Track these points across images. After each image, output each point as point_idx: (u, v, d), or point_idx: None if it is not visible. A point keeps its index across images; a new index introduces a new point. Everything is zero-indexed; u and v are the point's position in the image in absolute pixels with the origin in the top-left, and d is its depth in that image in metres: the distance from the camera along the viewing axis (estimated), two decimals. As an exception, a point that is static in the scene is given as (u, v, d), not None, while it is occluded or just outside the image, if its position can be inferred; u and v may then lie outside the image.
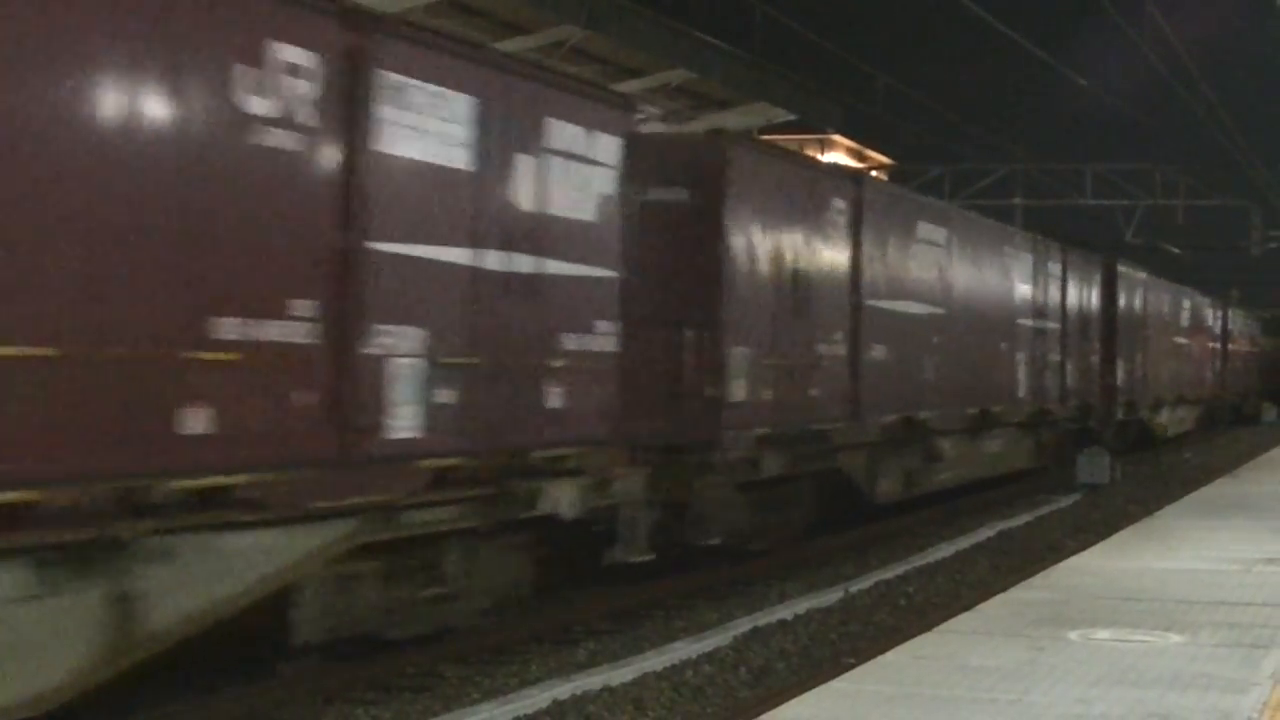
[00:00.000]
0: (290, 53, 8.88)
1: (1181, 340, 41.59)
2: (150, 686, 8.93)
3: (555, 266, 11.50)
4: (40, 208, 7.42)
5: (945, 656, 8.85)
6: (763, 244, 15.44)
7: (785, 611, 13.60)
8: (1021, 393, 25.04)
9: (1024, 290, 25.68)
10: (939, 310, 20.90)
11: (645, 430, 12.88)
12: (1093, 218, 45.57)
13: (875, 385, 18.06)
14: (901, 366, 19.27)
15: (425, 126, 10.04)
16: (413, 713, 9.86)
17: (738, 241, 14.91)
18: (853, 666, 9.25)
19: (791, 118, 26.94)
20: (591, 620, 12.91)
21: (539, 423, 11.29)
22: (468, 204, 10.53)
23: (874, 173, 39.78)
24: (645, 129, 13.58)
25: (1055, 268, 27.77)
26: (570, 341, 11.67)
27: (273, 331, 8.76)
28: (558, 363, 11.47)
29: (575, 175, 11.81)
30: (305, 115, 8.99)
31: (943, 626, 10.07)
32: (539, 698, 10.11)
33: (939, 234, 21.20)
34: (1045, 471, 27.02)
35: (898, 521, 19.97)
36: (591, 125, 12.05)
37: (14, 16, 7.30)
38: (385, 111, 9.62)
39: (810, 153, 31.41)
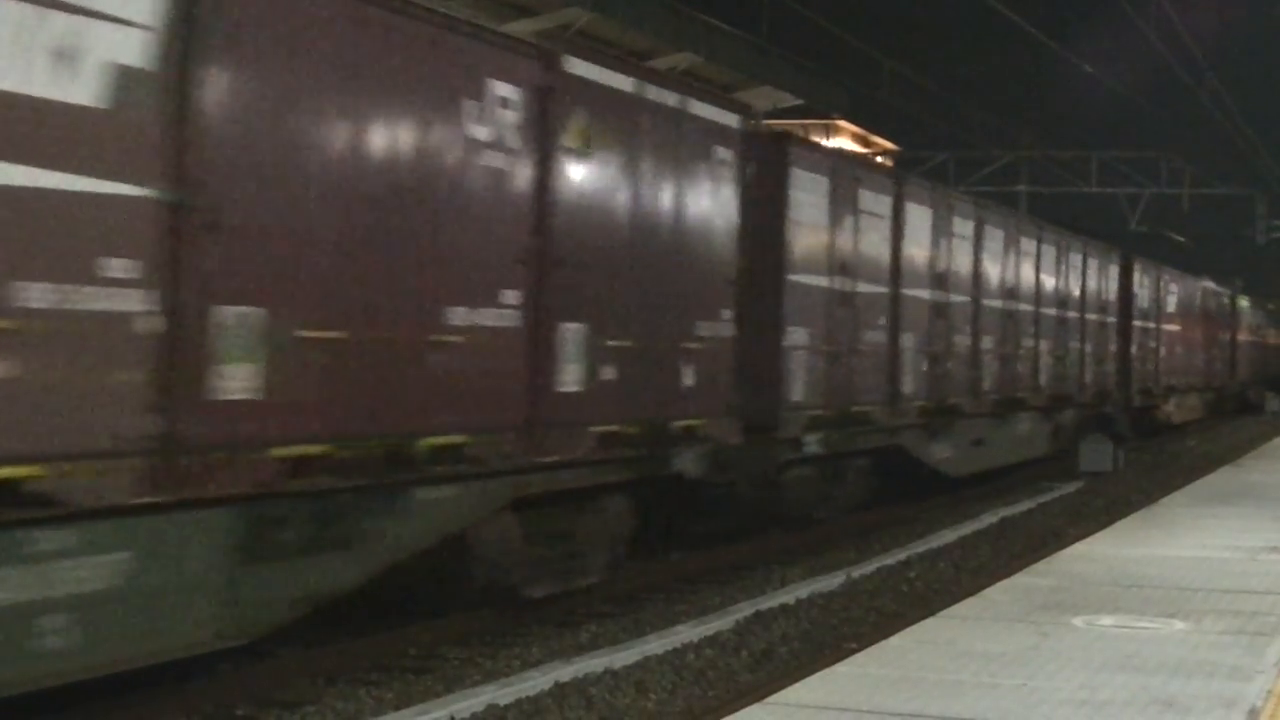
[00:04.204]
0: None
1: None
2: (150, 666, 8.91)
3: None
4: None
5: (948, 641, 8.83)
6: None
7: (787, 596, 13.59)
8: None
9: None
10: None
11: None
12: (1098, 205, 45.57)
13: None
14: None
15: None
16: (414, 694, 9.84)
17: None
18: (855, 651, 9.22)
19: (797, 102, 26.89)
20: (593, 603, 12.89)
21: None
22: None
23: (879, 158, 39.72)
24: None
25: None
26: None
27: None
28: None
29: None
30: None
31: (946, 612, 10.05)
32: (541, 680, 10.10)
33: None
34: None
35: (900, 508, 19.96)
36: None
37: None
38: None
39: (815, 138, 31.36)
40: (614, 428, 11.99)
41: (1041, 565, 12.30)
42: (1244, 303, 54.56)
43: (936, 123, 38.47)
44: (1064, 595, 10.51)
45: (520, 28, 18.58)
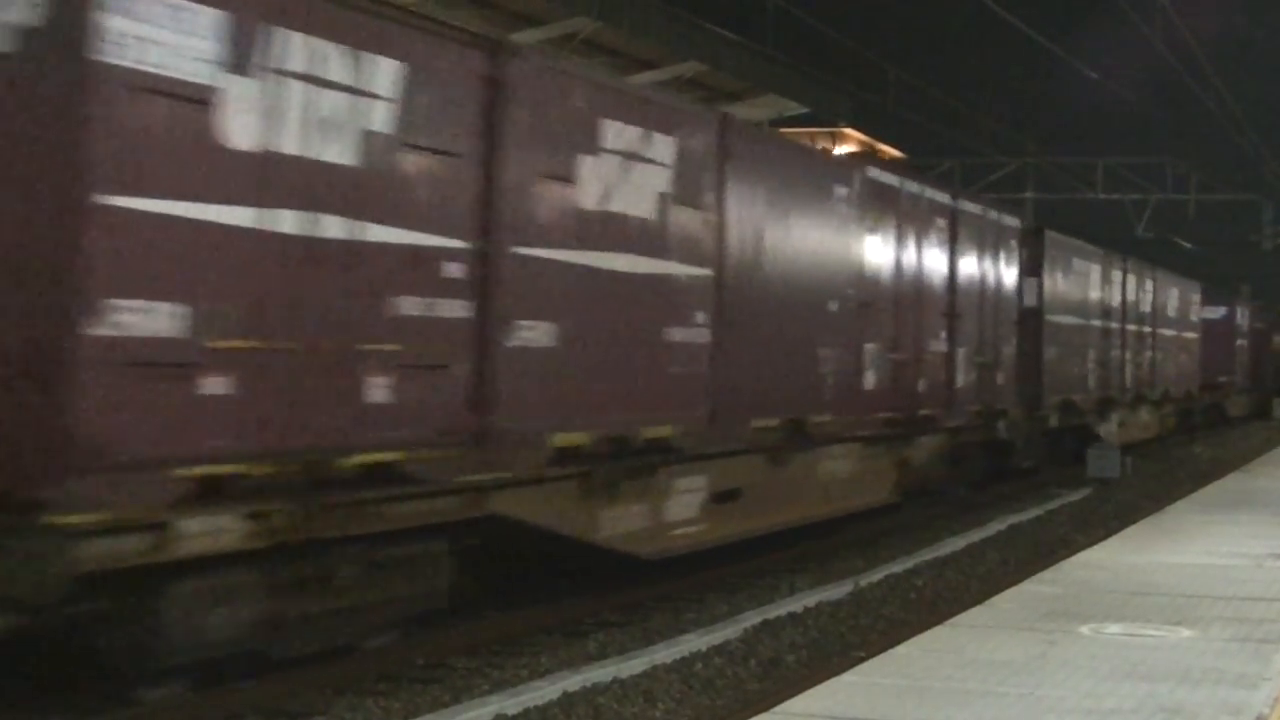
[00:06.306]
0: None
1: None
2: (155, 674, 8.92)
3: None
4: None
5: (956, 650, 8.84)
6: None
7: (795, 604, 13.59)
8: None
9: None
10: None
11: None
12: (1104, 212, 45.57)
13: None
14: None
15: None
16: (422, 704, 9.85)
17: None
18: (863, 659, 9.23)
19: (803, 110, 26.90)
20: (601, 612, 12.91)
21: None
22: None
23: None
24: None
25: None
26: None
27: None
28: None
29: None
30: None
31: (953, 620, 10.06)
32: (548, 689, 10.10)
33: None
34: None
35: (907, 515, 19.96)
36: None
37: None
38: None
39: (821, 145, 31.36)
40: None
41: (1049, 573, 12.30)
42: (1089, 258, 29.19)
43: (942, 130, 38.44)
44: (1071, 603, 10.51)
45: (526, 37, 18.62)
